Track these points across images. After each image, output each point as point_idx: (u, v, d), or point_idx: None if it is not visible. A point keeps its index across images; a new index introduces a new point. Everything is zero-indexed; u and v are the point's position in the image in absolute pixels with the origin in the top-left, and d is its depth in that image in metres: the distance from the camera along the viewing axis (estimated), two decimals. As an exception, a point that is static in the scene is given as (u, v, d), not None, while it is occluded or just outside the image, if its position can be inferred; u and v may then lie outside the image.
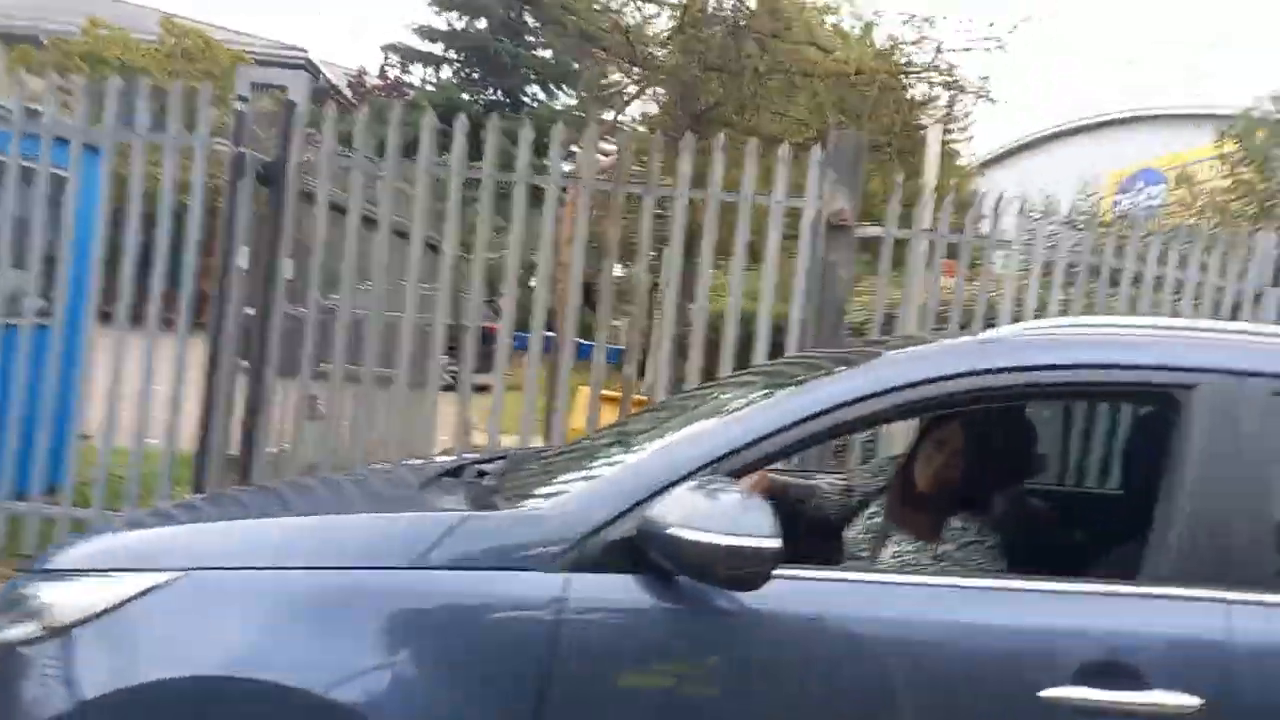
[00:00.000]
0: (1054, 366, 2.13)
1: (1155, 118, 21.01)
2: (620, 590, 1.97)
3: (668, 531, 1.88)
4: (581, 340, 7.25)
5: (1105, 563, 2.34)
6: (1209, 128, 18.00)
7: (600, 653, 1.95)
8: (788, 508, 3.17)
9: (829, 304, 5.08)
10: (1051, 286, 5.38)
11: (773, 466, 3.35)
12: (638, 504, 1.99)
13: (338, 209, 5.21)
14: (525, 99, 23.52)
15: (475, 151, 5.13)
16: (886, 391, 2.06)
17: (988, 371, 2.08)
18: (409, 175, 5.23)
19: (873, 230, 5.37)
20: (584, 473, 2.27)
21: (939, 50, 8.42)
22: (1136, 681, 1.85)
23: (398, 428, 5.43)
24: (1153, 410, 2.33)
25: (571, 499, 2.10)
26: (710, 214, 5.14)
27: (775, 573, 1.91)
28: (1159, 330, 2.27)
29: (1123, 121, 22.07)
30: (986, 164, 22.66)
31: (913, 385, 2.07)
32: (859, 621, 1.97)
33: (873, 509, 2.95)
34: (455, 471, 2.81)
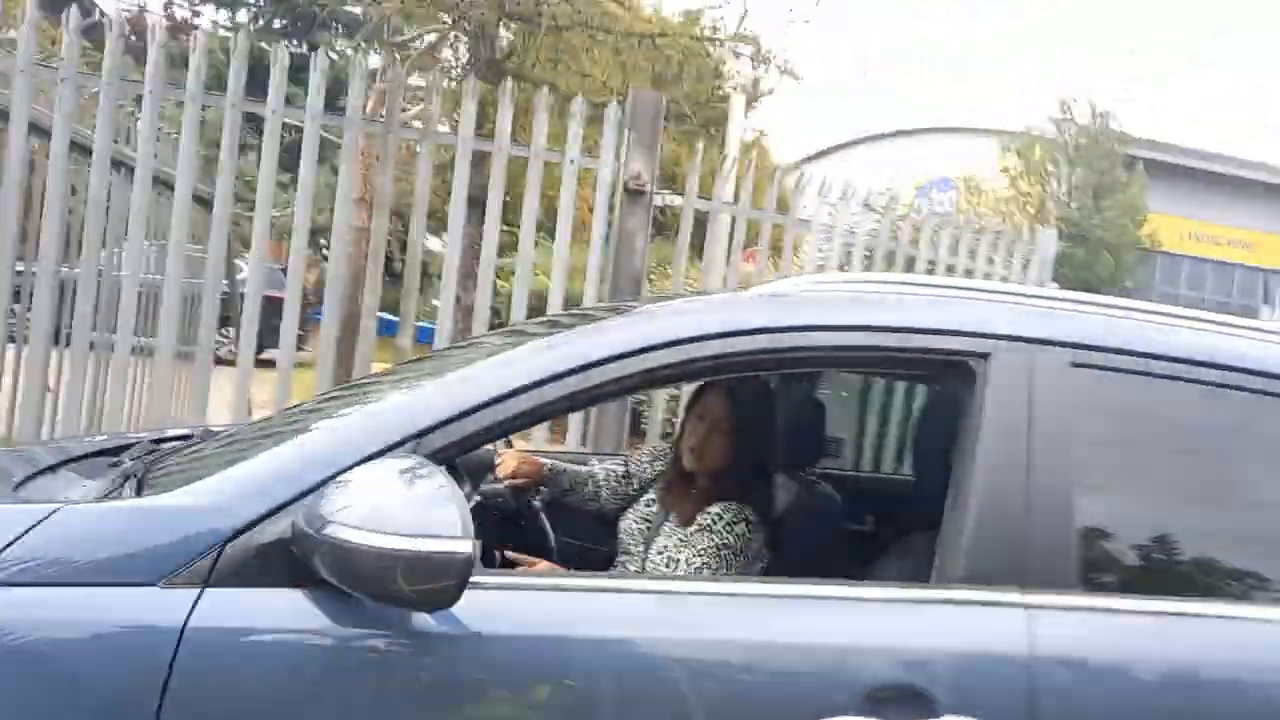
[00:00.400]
0: (822, 328, 1.73)
1: (958, 129, 22.25)
2: (270, 612, 1.44)
3: (328, 533, 1.37)
4: (387, 315, 6.56)
5: (896, 562, 2.02)
6: (995, 142, 19.27)
7: (238, 704, 1.41)
8: (558, 497, 2.73)
9: (625, 275, 4.69)
10: (851, 270, 5.24)
11: (544, 451, 2.87)
12: (300, 496, 1.47)
13: (82, 148, 4.34)
14: (333, 56, 21.91)
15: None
16: (625, 355, 1.63)
17: (742, 333, 1.68)
18: (168, 109, 4.40)
19: (672, 199, 5.03)
20: (249, 454, 1.70)
21: (744, 17, 8.24)
22: (924, 707, 1.51)
23: (161, 403, 4.63)
24: (944, 383, 2.01)
25: (213, 488, 1.53)
26: (497, 169, 4.61)
27: (481, 583, 1.45)
28: (958, 290, 1.94)
29: (928, 130, 23.26)
30: (798, 163, 23.31)
31: (659, 347, 1.64)
32: (583, 645, 1.51)
33: (649, 496, 2.56)
34: (118, 451, 2.17)
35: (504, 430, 1.62)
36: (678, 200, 4.98)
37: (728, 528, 2.26)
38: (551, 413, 1.65)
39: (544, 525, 2.74)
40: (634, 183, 4.64)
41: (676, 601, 1.62)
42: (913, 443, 2.09)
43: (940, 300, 1.84)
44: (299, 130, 4.44)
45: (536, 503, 2.72)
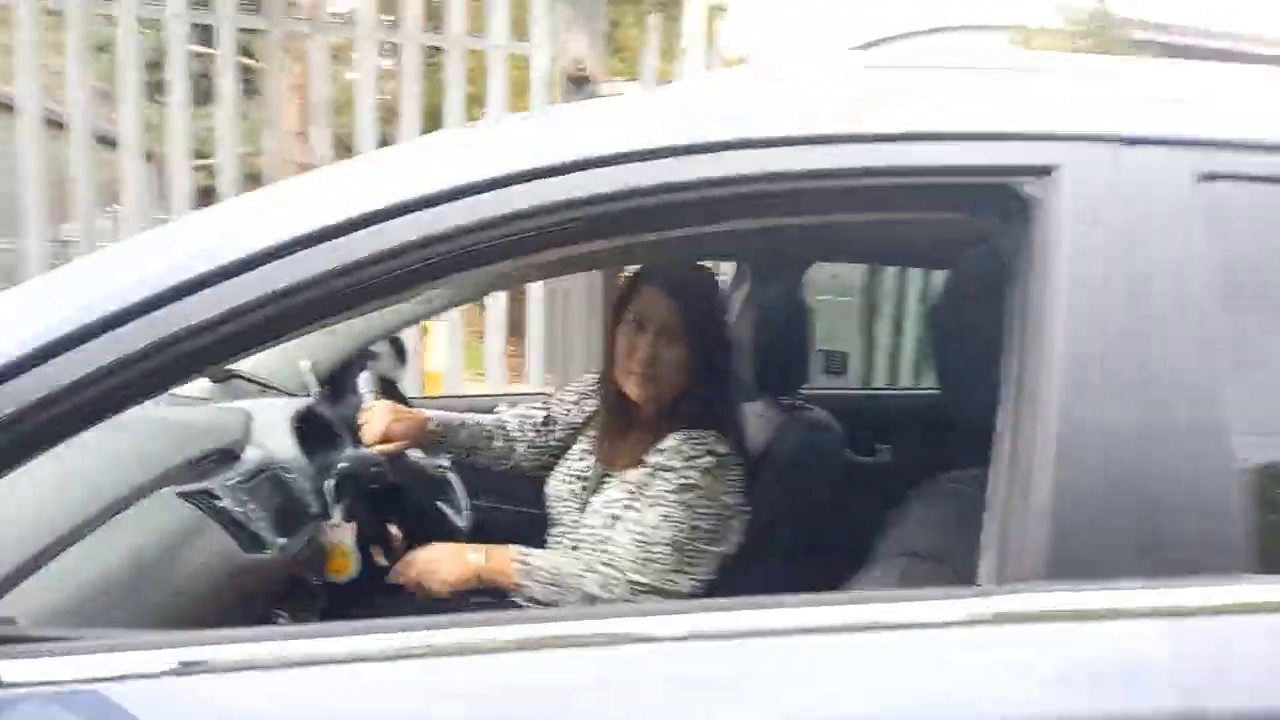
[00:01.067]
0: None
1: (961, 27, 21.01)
2: None
3: None
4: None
5: (923, 512, 1.32)
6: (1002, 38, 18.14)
7: None
8: (458, 459, 2.02)
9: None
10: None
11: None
12: None
13: None
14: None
15: None
16: (443, 198, 0.85)
17: (658, 154, 0.93)
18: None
19: (620, 87, 4.24)
20: None
21: None
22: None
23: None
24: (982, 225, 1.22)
25: None
26: (410, 61, 3.82)
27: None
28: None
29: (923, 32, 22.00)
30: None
31: (540, 175, 0.86)
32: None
33: (582, 447, 1.85)
34: None
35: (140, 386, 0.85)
36: (630, 89, 4.19)
37: (689, 462, 1.59)
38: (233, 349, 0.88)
39: (453, 496, 2.05)
40: (576, 70, 3.86)
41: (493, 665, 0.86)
42: (938, 337, 1.37)
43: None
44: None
45: (442, 463, 2.02)
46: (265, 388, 2.11)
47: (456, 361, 4.67)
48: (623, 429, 1.75)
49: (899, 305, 3.75)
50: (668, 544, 1.55)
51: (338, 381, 2.21)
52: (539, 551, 1.59)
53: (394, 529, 2.04)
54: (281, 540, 1.42)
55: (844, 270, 3.70)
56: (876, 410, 2.68)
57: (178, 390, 1.97)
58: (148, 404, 0.84)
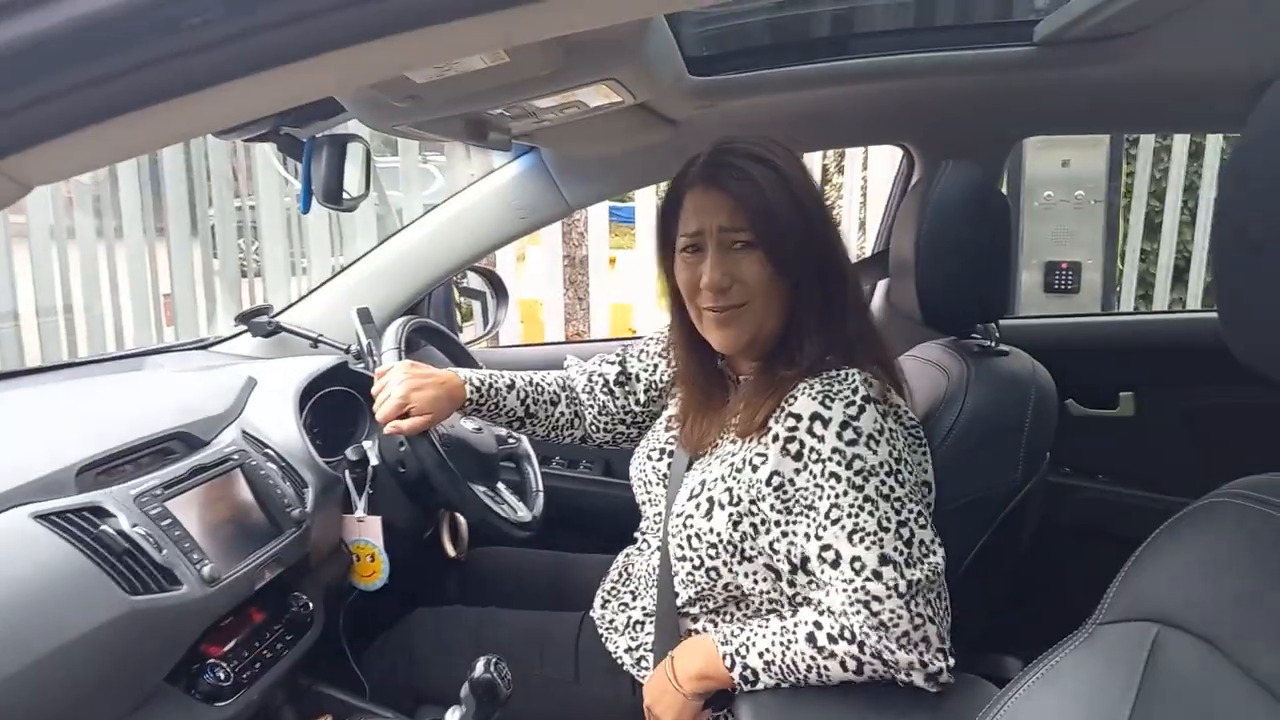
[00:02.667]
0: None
1: None
2: None
3: None
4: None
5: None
6: None
7: None
8: (510, 433, 1.58)
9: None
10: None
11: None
12: None
13: None
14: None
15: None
16: None
17: None
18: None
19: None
20: None
21: None
22: None
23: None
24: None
25: None
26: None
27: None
28: None
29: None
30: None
31: None
32: None
33: (672, 412, 1.32)
34: None
35: None
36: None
37: (845, 432, 1.04)
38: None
39: (522, 475, 1.61)
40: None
41: None
42: (1220, 235, 0.76)
43: None
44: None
45: (498, 433, 1.59)
46: (317, 342, 1.75)
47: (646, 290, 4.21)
48: (713, 399, 1.22)
49: (1158, 198, 2.87)
50: (877, 541, 1.03)
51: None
52: (736, 631, 1.13)
53: (459, 522, 1.63)
54: (205, 565, 1.01)
55: (1079, 152, 2.85)
56: (1122, 340, 1.94)
57: (216, 348, 1.67)
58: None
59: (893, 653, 1.01)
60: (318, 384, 1.49)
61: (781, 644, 1.07)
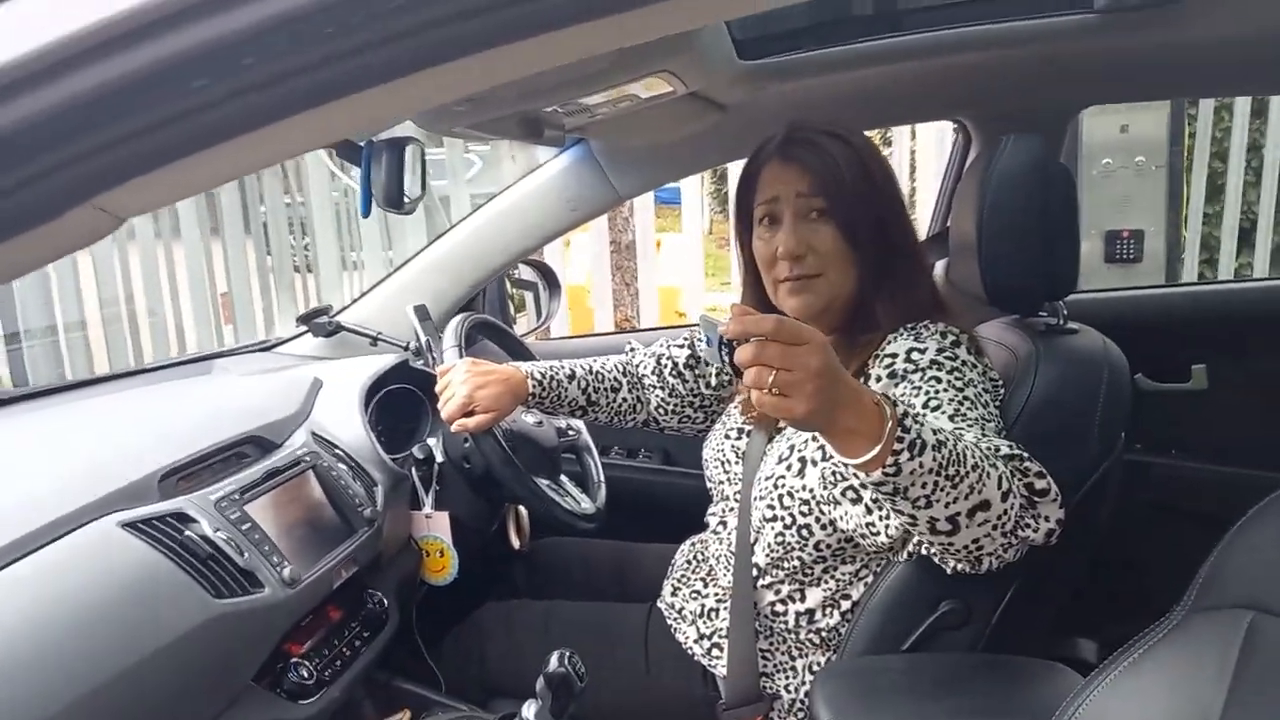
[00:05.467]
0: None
1: None
2: None
3: None
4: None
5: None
6: None
7: None
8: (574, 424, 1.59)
9: None
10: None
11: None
12: None
13: None
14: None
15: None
16: None
17: None
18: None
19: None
20: None
21: None
22: None
23: None
24: None
25: None
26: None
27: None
28: None
29: None
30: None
31: None
32: None
33: (744, 395, 1.33)
34: None
35: None
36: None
37: (944, 350, 1.10)
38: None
39: (584, 466, 1.61)
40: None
41: None
42: None
43: None
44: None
45: (569, 424, 1.60)
46: (376, 340, 1.78)
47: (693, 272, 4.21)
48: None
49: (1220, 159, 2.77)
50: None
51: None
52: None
53: (521, 515, 1.65)
54: (285, 567, 1.04)
55: (1138, 116, 2.75)
56: (1192, 311, 1.89)
57: (279, 349, 1.70)
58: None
59: (1034, 487, 0.95)
60: (380, 382, 1.51)
61: (953, 435, 0.91)
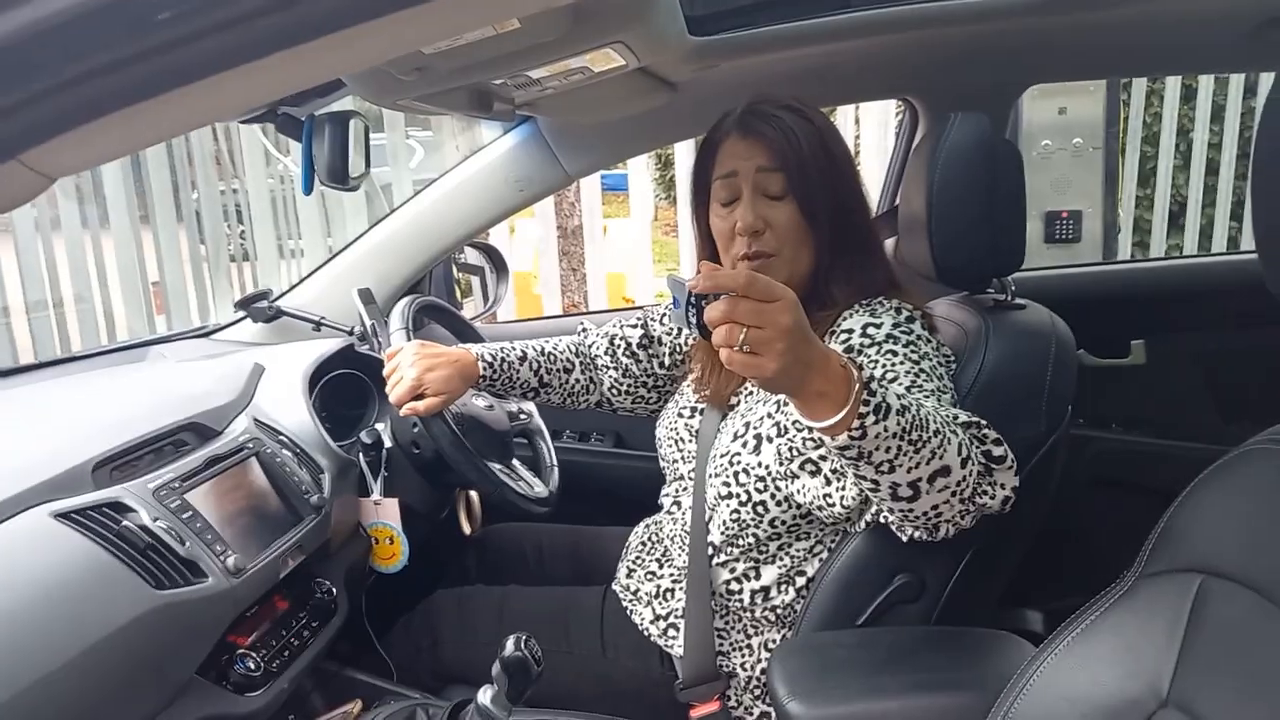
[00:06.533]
0: None
1: None
2: None
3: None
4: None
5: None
6: None
7: None
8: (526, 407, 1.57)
9: None
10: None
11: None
12: None
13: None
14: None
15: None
16: None
17: None
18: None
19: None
20: None
21: None
22: None
23: None
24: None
25: None
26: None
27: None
28: None
29: None
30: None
31: None
32: None
33: (697, 374, 1.32)
34: None
35: None
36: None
37: (899, 326, 1.11)
38: None
39: (535, 451, 1.59)
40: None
41: None
42: (1262, 163, 0.73)
43: None
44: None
45: (520, 408, 1.58)
46: (319, 325, 1.73)
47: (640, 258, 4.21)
48: None
49: (1150, 143, 2.84)
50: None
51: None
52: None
53: (472, 500, 1.62)
54: (229, 556, 1.00)
55: (1076, 99, 2.81)
56: (1132, 289, 1.93)
57: (217, 335, 1.64)
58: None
59: (991, 454, 0.95)
60: (324, 368, 1.47)
61: (915, 401, 0.90)
